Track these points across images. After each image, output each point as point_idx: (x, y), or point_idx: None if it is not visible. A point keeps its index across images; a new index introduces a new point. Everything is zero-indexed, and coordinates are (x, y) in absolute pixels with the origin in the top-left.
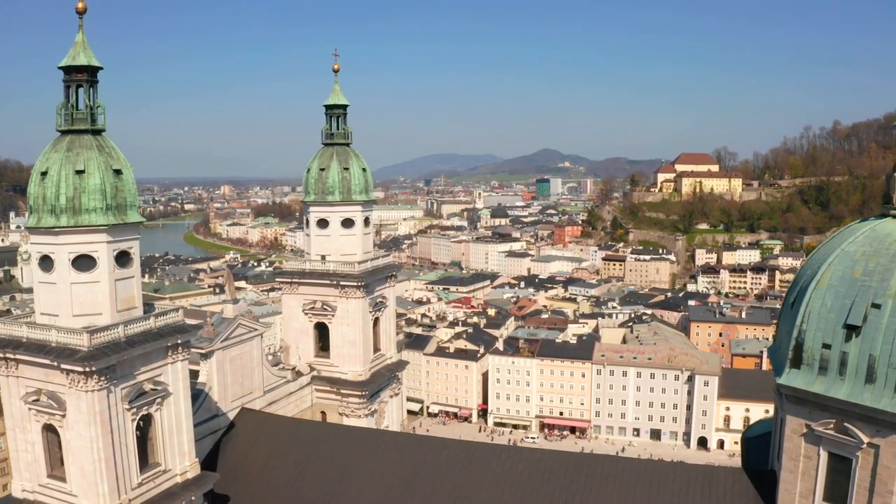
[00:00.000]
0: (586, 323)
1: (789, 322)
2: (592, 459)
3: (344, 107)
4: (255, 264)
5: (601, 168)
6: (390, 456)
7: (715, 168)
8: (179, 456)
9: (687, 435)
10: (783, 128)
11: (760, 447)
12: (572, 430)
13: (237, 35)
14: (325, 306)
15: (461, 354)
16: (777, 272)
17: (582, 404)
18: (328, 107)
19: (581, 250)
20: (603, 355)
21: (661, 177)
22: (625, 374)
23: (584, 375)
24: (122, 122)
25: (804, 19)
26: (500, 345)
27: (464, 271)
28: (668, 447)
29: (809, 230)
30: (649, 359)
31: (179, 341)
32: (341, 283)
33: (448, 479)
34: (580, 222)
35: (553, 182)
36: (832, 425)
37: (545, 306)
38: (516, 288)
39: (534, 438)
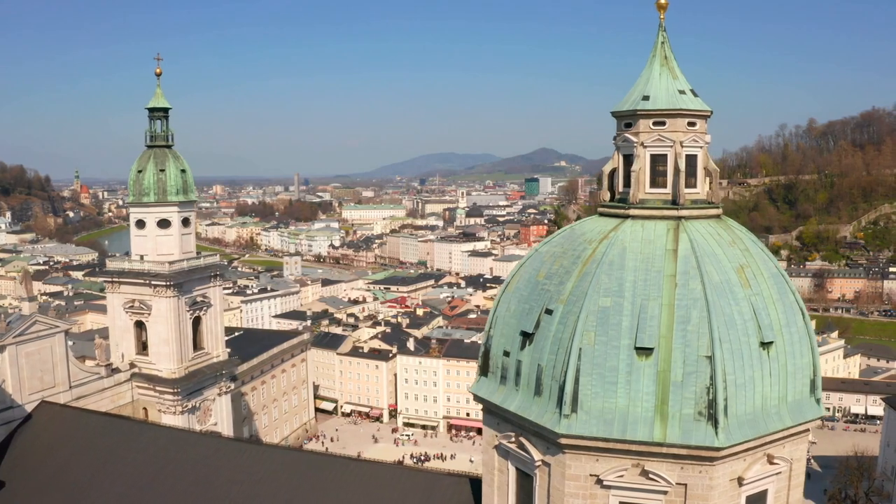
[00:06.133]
0: None
1: None
2: (327, 460)
3: (165, 110)
4: (224, 264)
5: (597, 167)
6: (149, 449)
7: None
8: None
9: None
10: (774, 125)
11: None
12: (478, 430)
13: (237, 33)
14: (141, 305)
15: (373, 354)
16: None
17: None
18: (150, 110)
19: None
20: None
21: None
22: None
23: None
24: (125, 122)
25: (806, 20)
26: (410, 345)
27: (411, 271)
28: None
29: (776, 229)
30: None
31: None
32: (152, 282)
33: (189, 474)
34: (546, 222)
35: (543, 181)
36: (513, 439)
37: (478, 306)
38: (454, 287)
39: (409, 436)
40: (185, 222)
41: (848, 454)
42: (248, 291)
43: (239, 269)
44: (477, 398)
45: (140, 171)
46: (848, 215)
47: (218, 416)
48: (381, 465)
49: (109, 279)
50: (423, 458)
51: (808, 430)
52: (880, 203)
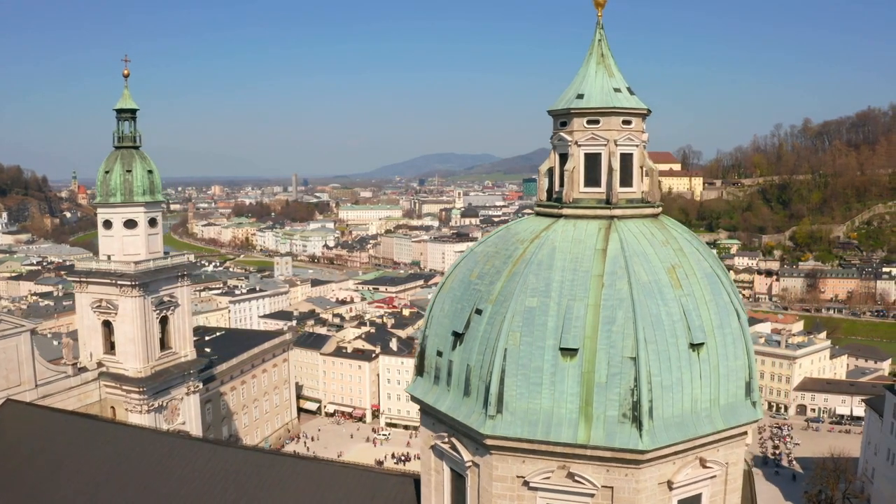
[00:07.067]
0: None
1: None
2: (278, 459)
3: (133, 111)
4: (217, 265)
5: None
6: (107, 447)
7: (677, 167)
8: None
9: None
10: (770, 125)
11: None
12: None
13: (237, 33)
14: (108, 304)
15: (356, 354)
16: (732, 271)
17: None
18: (118, 111)
19: None
20: None
21: None
22: None
23: None
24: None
25: (803, 20)
26: (393, 345)
27: (401, 271)
28: None
29: (769, 229)
30: None
31: None
32: (118, 282)
33: (143, 473)
34: None
35: None
36: (446, 439)
37: None
38: None
39: (386, 435)
40: (152, 222)
41: (826, 456)
42: (237, 292)
43: (231, 269)
44: (413, 398)
45: (107, 172)
46: (841, 215)
47: (186, 415)
48: (329, 463)
49: (77, 279)
50: (404, 458)
51: (745, 433)
52: (874, 203)
